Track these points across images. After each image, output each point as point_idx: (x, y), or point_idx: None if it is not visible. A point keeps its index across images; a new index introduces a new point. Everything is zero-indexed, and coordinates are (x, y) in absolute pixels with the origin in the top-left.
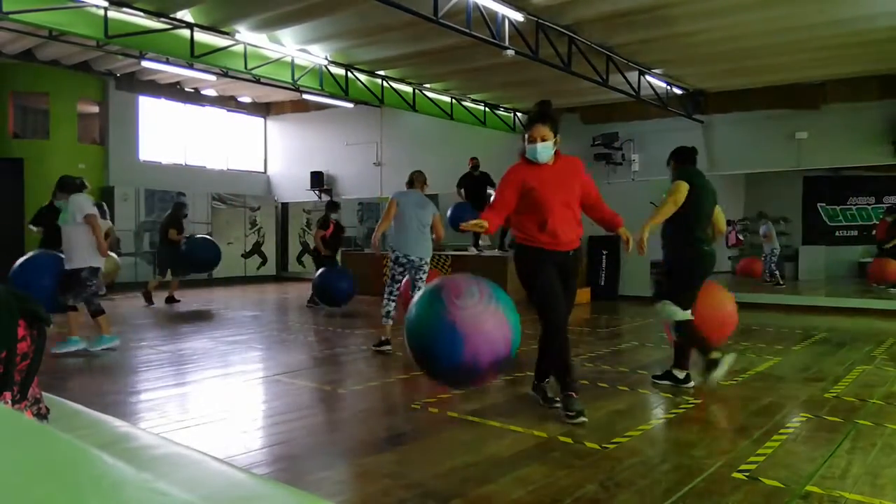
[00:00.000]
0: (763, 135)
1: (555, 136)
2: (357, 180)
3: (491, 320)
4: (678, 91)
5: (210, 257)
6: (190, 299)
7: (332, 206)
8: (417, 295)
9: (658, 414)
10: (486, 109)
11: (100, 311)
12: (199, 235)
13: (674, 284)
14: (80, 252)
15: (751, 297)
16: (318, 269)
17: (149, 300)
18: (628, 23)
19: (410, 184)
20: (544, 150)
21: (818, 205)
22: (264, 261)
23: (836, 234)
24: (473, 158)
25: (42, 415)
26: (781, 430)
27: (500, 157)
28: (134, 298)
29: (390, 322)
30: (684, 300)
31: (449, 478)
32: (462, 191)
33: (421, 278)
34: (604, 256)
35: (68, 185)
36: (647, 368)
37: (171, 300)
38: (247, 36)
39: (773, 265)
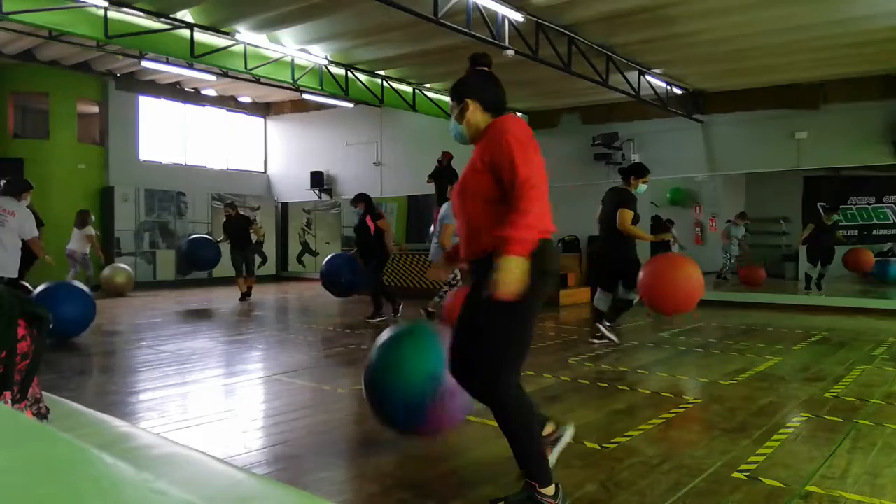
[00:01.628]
0: (763, 135)
1: (460, 103)
2: (357, 180)
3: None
4: (678, 91)
5: (211, 256)
6: (190, 299)
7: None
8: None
9: (658, 414)
10: None
11: None
12: (197, 235)
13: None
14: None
15: (751, 298)
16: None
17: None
18: (628, 23)
19: None
20: (452, 128)
21: (818, 205)
22: (264, 260)
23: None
24: (447, 153)
25: (42, 414)
26: (781, 430)
27: None
28: (134, 298)
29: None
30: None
31: (449, 478)
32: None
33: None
34: None
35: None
36: (647, 368)
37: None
38: (247, 36)
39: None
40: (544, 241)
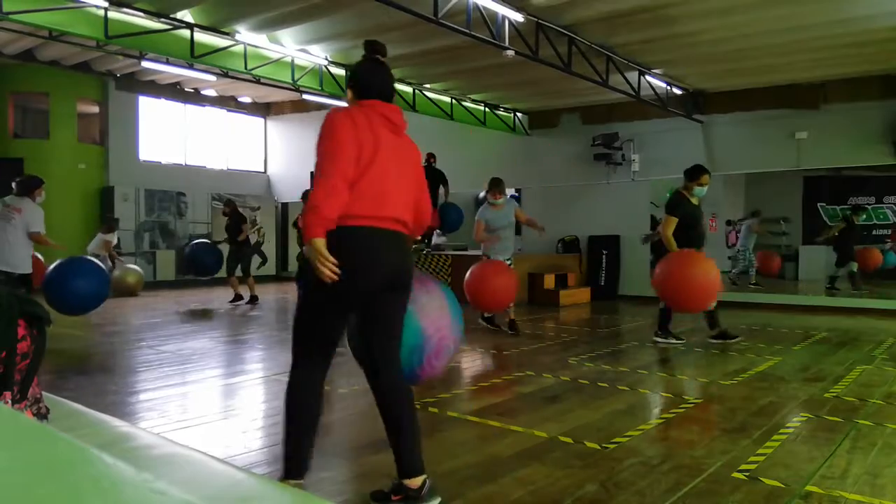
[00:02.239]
0: (763, 135)
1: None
2: None
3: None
4: (678, 91)
5: (210, 262)
6: (190, 299)
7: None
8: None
9: (658, 414)
10: (486, 110)
11: None
12: (200, 240)
13: None
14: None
15: (751, 298)
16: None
17: (238, 298)
18: (628, 23)
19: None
20: None
21: (818, 205)
22: (264, 261)
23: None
24: (430, 154)
25: (42, 415)
26: (781, 430)
27: (499, 157)
28: (134, 299)
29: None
30: None
31: (449, 478)
32: None
33: None
34: (604, 256)
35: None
36: (647, 368)
37: (252, 299)
38: (247, 36)
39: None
40: (343, 230)
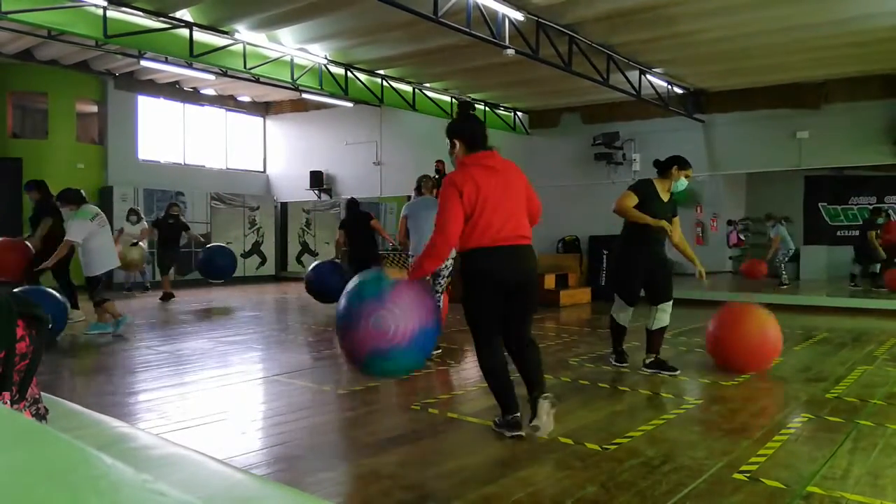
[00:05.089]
0: (764, 134)
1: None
2: (357, 180)
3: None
4: (679, 90)
5: (227, 264)
6: (189, 299)
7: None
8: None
9: (658, 414)
10: (487, 109)
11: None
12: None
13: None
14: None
15: (751, 298)
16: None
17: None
18: (629, 22)
19: (419, 189)
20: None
21: (819, 204)
22: (263, 261)
23: (838, 233)
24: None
25: (41, 415)
26: (782, 431)
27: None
28: (132, 299)
29: None
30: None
31: (449, 479)
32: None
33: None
34: (605, 256)
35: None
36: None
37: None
38: (246, 35)
39: (780, 266)
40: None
